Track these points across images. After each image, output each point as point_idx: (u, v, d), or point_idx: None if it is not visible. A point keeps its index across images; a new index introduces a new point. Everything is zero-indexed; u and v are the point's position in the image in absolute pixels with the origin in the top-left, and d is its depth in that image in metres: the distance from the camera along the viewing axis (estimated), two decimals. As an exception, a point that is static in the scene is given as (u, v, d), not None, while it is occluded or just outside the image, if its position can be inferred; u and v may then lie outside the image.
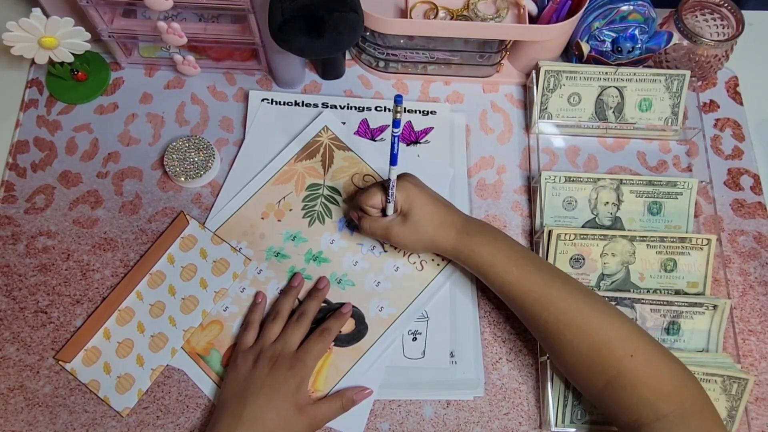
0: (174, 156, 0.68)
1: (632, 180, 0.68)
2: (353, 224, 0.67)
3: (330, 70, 0.74)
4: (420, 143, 0.72)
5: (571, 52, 0.75)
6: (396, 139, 0.53)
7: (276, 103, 0.73)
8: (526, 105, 0.75)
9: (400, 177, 0.59)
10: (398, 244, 0.60)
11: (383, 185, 0.59)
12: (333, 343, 0.62)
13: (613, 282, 0.65)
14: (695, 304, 0.63)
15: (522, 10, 0.70)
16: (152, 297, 0.64)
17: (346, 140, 0.71)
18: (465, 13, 0.71)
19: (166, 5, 0.60)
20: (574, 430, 0.60)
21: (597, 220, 0.68)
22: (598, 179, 0.68)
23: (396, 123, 0.51)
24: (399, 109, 0.49)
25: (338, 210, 0.68)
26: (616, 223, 0.68)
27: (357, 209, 0.63)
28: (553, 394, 0.60)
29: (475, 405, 0.62)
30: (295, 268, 0.66)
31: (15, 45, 0.63)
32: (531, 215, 0.70)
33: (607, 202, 0.68)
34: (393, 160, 0.54)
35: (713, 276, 0.66)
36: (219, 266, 0.65)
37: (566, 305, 0.53)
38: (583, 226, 0.68)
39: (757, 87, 0.78)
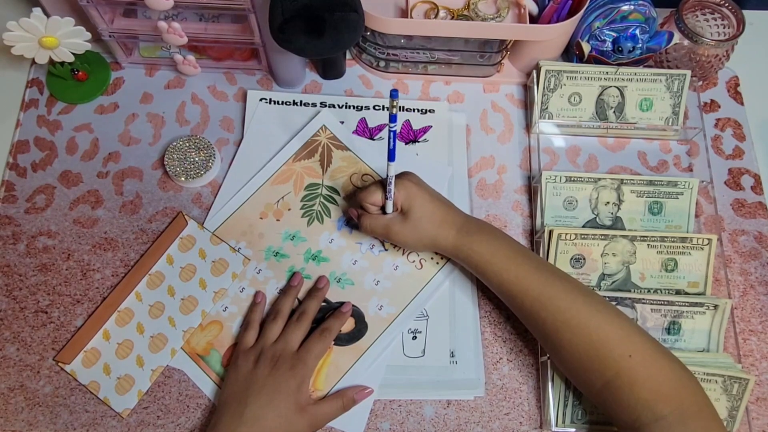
0: (174, 156, 0.68)
1: (633, 180, 0.68)
2: (352, 222, 0.67)
3: (330, 69, 0.74)
4: (418, 142, 0.72)
5: (571, 52, 0.75)
6: (393, 134, 0.52)
7: (274, 103, 0.73)
8: (527, 105, 0.75)
9: (400, 175, 0.59)
10: (399, 242, 0.60)
11: (383, 183, 0.59)
12: (333, 342, 0.62)
13: (613, 282, 0.65)
14: (696, 304, 0.62)
15: (522, 10, 0.70)
16: (151, 298, 0.63)
17: (345, 140, 0.71)
18: (465, 12, 0.71)
19: (166, 5, 0.60)
20: (574, 430, 0.60)
21: (597, 219, 0.68)
22: (599, 179, 0.68)
23: (392, 118, 0.51)
24: (395, 103, 0.49)
25: (337, 209, 0.68)
26: (616, 223, 0.68)
27: (357, 207, 0.63)
28: (553, 394, 0.60)
29: (476, 405, 0.61)
30: (294, 267, 0.66)
31: (15, 45, 0.63)
32: (531, 215, 0.70)
33: (608, 202, 0.68)
34: (390, 156, 0.54)
35: (714, 276, 0.66)
36: (218, 266, 0.65)
37: (565, 304, 0.53)
38: (583, 226, 0.68)
39: (758, 87, 0.78)
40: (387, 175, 0.56)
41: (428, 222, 0.58)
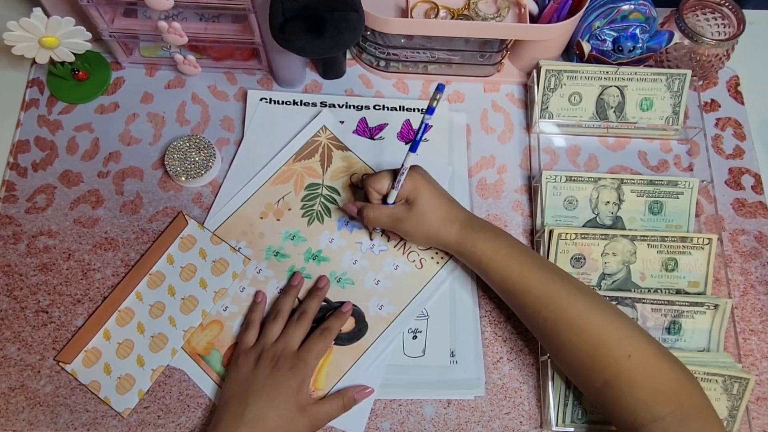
0: (175, 155, 0.68)
1: (633, 179, 0.68)
2: (351, 218, 0.67)
3: (331, 69, 0.74)
4: (420, 142, 0.72)
5: (572, 52, 0.74)
6: (425, 126, 0.53)
7: (274, 103, 0.73)
8: (527, 104, 0.75)
9: (410, 168, 0.59)
10: (402, 233, 0.60)
11: (393, 172, 0.59)
12: (333, 342, 0.62)
13: (614, 281, 0.65)
14: (696, 304, 0.62)
15: (523, 10, 0.70)
16: (152, 297, 0.64)
17: (345, 140, 0.71)
18: (466, 12, 0.71)
19: (166, 5, 0.60)
20: (574, 429, 0.60)
21: (598, 219, 0.68)
22: (599, 179, 0.68)
23: (430, 110, 0.51)
24: (438, 96, 0.50)
25: (337, 209, 0.68)
26: (617, 223, 0.68)
27: (359, 199, 0.63)
28: (553, 393, 0.60)
29: (476, 404, 0.61)
30: (294, 267, 0.66)
31: (16, 45, 0.63)
32: (532, 215, 0.70)
33: (608, 202, 0.68)
34: (414, 147, 0.55)
35: (714, 275, 0.66)
36: (218, 266, 0.65)
37: (566, 303, 0.53)
38: (584, 226, 0.68)
39: (758, 86, 0.78)
40: (402, 165, 0.56)
41: (433, 216, 0.58)
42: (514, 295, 0.57)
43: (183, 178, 0.67)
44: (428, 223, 0.59)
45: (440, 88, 0.49)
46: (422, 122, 0.53)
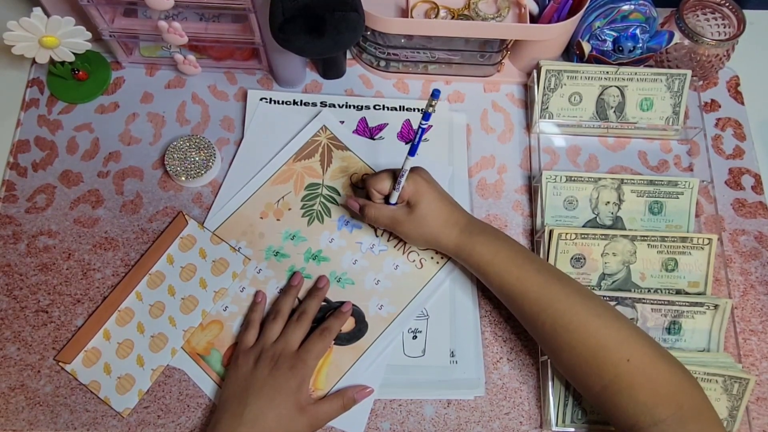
0: (175, 155, 0.68)
1: (633, 179, 0.68)
2: (352, 214, 0.67)
3: (331, 69, 0.74)
4: (420, 142, 0.72)
5: (572, 52, 0.75)
6: (422, 131, 0.53)
7: (274, 103, 0.73)
8: (527, 104, 0.75)
9: (412, 169, 0.59)
10: (401, 234, 0.61)
11: (394, 173, 0.59)
12: (333, 342, 0.62)
13: (614, 282, 0.65)
14: (696, 304, 0.62)
15: (523, 10, 0.70)
16: (152, 297, 0.64)
17: (345, 140, 0.71)
18: (466, 12, 0.71)
19: (167, 4, 0.60)
20: (574, 430, 0.60)
21: (598, 219, 0.68)
22: (599, 179, 0.68)
23: (426, 116, 0.52)
24: (434, 102, 0.50)
25: (337, 209, 0.68)
26: (617, 223, 0.68)
27: (361, 196, 0.63)
28: (553, 393, 0.60)
29: (476, 404, 0.61)
30: (294, 267, 0.66)
31: (16, 44, 0.63)
32: (532, 215, 0.70)
33: (608, 202, 0.68)
34: (412, 151, 0.55)
35: (714, 275, 0.66)
36: (218, 266, 0.65)
37: (564, 307, 0.53)
38: (584, 226, 0.68)
39: (759, 86, 0.78)
40: (402, 168, 0.56)
41: (433, 219, 0.58)
42: (512, 298, 0.57)
43: (183, 178, 0.67)
44: (428, 227, 0.59)
45: (436, 94, 0.50)
46: (419, 127, 0.53)
